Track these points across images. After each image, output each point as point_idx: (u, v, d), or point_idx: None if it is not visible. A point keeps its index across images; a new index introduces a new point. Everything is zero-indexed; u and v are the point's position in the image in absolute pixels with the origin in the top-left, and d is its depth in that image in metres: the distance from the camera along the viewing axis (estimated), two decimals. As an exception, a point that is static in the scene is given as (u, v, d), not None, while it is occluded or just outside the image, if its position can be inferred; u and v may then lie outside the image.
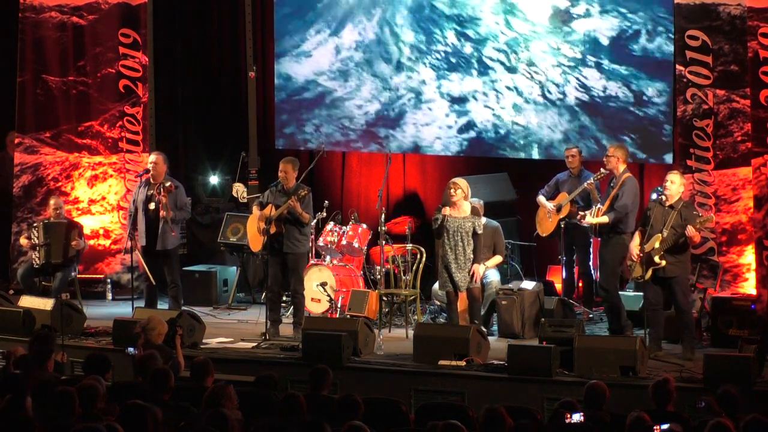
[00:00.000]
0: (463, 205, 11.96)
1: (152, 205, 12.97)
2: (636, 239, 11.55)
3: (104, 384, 8.16)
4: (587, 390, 8.26)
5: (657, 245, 11.28)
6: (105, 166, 15.02)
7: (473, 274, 11.85)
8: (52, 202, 14.29)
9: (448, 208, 11.89)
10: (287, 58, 15.39)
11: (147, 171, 13.13)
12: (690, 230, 11.14)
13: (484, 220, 12.16)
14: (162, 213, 12.84)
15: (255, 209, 12.63)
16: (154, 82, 15.30)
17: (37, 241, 13.82)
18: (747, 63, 12.22)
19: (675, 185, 11.41)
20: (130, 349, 10.23)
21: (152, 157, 13.23)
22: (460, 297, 12.02)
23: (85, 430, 6.75)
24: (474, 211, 11.98)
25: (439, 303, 13.10)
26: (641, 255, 11.35)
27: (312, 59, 15.29)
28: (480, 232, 11.95)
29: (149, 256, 13.07)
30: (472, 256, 11.89)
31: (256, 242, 12.65)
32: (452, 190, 11.92)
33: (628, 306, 12.28)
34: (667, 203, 11.39)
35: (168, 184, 12.95)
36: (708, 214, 11.84)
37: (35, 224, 14.03)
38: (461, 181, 12.06)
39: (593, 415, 7.93)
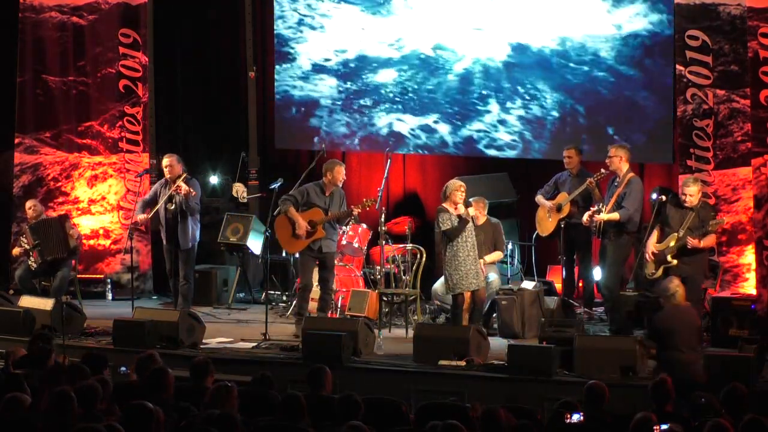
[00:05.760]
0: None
1: (171, 206, 12.99)
2: (653, 237, 11.60)
3: (110, 384, 8.15)
4: (587, 390, 8.25)
5: (672, 244, 11.39)
6: (105, 166, 15.02)
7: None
8: (27, 205, 14.18)
9: (471, 209, 12.00)
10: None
11: (147, 171, 13.12)
12: (691, 242, 11.21)
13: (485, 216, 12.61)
14: (184, 192, 12.90)
15: (291, 209, 12.47)
16: (154, 82, 15.31)
17: (27, 246, 13.71)
18: (747, 63, 12.22)
19: (694, 196, 11.48)
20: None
21: (165, 161, 13.21)
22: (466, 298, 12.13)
23: (85, 431, 6.74)
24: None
25: (438, 303, 13.10)
26: (656, 253, 11.40)
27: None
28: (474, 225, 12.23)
29: (168, 252, 13.17)
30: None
31: (293, 245, 12.63)
32: (461, 192, 11.98)
33: (628, 306, 12.29)
34: (687, 205, 11.45)
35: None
36: (721, 217, 11.88)
37: (23, 233, 13.91)
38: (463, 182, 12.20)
39: (593, 415, 7.93)
